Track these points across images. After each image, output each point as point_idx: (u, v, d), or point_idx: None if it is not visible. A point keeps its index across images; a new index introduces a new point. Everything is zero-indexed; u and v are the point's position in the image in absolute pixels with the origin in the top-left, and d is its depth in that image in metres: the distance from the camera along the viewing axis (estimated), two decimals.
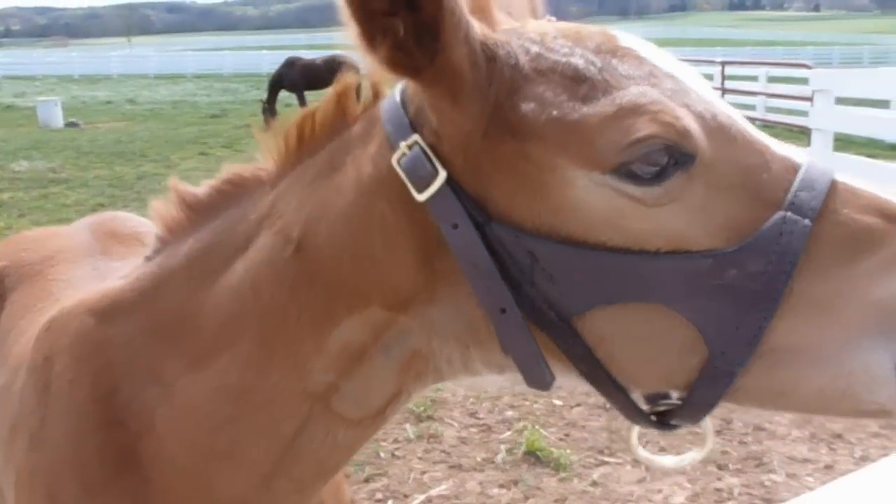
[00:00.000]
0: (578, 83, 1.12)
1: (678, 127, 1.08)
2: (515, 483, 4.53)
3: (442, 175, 1.14)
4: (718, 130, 1.12)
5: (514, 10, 1.32)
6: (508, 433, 5.12)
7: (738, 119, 1.15)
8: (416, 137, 1.16)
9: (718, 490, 4.37)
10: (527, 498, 4.40)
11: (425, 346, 1.26)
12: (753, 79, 23.85)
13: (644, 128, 1.07)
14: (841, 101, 10.91)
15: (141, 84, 45.52)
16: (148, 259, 1.47)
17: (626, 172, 1.08)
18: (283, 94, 22.46)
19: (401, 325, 1.24)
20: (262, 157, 1.39)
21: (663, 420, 1.21)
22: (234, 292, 1.31)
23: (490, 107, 1.13)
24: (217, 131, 21.95)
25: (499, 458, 4.79)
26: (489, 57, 1.14)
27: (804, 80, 22.21)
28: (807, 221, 1.06)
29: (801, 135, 16.98)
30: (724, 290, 1.06)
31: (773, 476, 4.43)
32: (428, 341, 1.25)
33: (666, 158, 1.08)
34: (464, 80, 1.13)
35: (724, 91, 14.29)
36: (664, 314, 1.09)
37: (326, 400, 1.29)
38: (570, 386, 1.29)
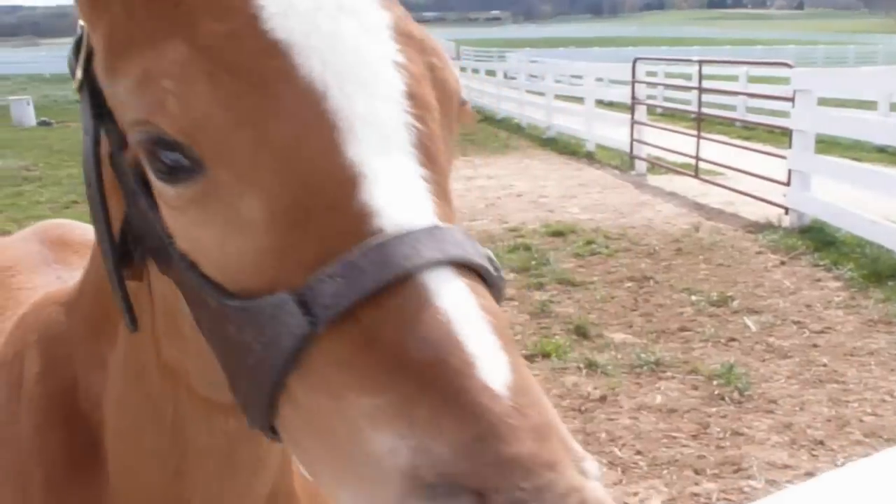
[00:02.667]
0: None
1: (183, 122, 0.91)
2: None
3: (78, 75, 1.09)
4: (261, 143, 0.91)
5: None
6: None
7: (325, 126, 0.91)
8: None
9: (696, 495, 4.39)
10: None
11: None
12: (733, 79, 24.05)
13: (145, 107, 0.94)
14: (824, 101, 11.01)
15: None
16: None
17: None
18: None
19: None
20: None
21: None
22: None
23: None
24: None
25: None
26: None
27: (787, 80, 22.55)
28: (303, 323, 0.85)
29: (783, 136, 17.15)
30: (232, 338, 0.93)
31: (752, 482, 4.46)
32: None
33: (176, 156, 0.93)
34: None
35: (702, 91, 14.32)
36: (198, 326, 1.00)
37: (186, 378, 1.18)
38: None
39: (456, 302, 0.85)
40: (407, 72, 0.99)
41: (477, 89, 30.08)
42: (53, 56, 65.52)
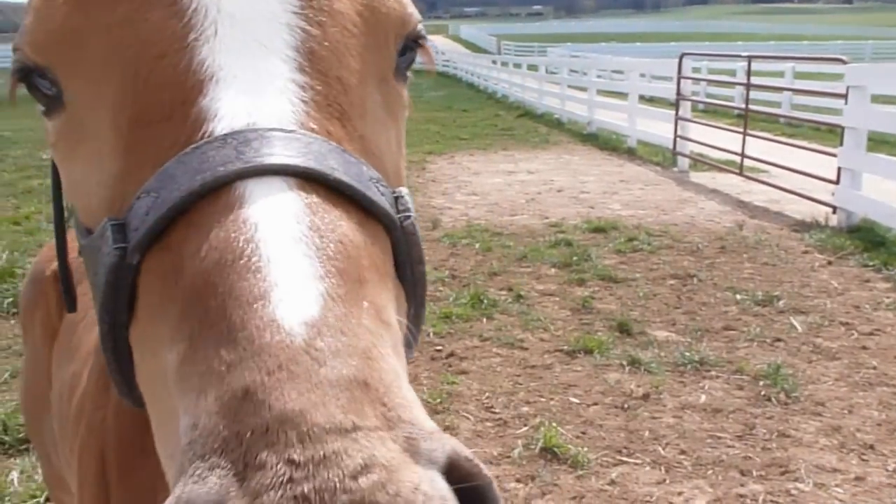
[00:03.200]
0: None
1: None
2: (532, 479, 4.49)
3: None
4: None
5: None
6: (524, 429, 5.08)
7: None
8: None
9: (741, 496, 4.32)
10: (544, 494, 4.36)
11: None
12: (779, 75, 23.70)
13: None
14: (874, 98, 10.77)
15: None
16: None
17: None
18: None
19: None
20: None
21: None
22: None
23: None
24: None
25: (515, 453, 4.75)
26: None
27: (833, 76, 22.12)
28: (112, 251, 0.75)
29: (828, 134, 16.89)
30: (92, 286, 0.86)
31: (799, 485, 4.38)
32: None
33: (45, 82, 0.90)
34: None
35: (750, 87, 14.10)
36: None
37: None
38: None
39: (269, 216, 0.70)
40: None
41: (518, 84, 29.96)
42: None
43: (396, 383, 0.65)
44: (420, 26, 1.01)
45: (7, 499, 4.37)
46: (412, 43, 1.01)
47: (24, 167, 15.83)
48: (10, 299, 7.47)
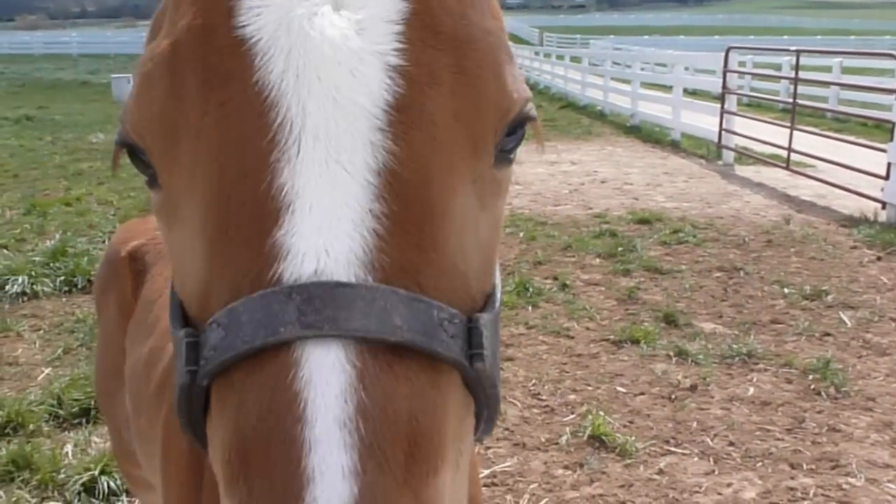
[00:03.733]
0: None
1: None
2: (580, 466, 4.48)
3: None
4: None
5: None
6: (571, 416, 5.06)
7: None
8: None
9: (791, 489, 4.27)
10: (592, 481, 4.34)
11: None
12: (826, 70, 23.28)
13: None
14: None
15: None
16: None
17: None
18: None
19: None
20: None
21: None
22: None
23: None
24: None
25: (563, 440, 4.74)
26: None
27: (882, 72, 21.72)
28: (183, 372, 0.79)
29: (876, 129, 16.56)
30: None
31: (851, 480, 4.31)
32: None
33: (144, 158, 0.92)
34: None
35: (798, 82, 13.86)
36: None
37: None
38: None
39: (317, 390, 0.69)
40: (400, 76, 0.79)
41: (561, 75, 29.79)
42: None
43: None
44: (528, 107, 0.91)
45: (62, 471, 4.44)
46: (520, 124, 0.92)
47: (74, 150, 16.11)
48: (62, 278, 7.60)
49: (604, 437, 4.72)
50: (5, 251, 8.68)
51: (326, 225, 0.74)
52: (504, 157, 0.90)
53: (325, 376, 0.69)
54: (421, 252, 0.77)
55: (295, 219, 0.74)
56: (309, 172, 0.75)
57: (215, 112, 0.79)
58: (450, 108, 0.81)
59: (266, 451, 0.68)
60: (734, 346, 6.06)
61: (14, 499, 4.19)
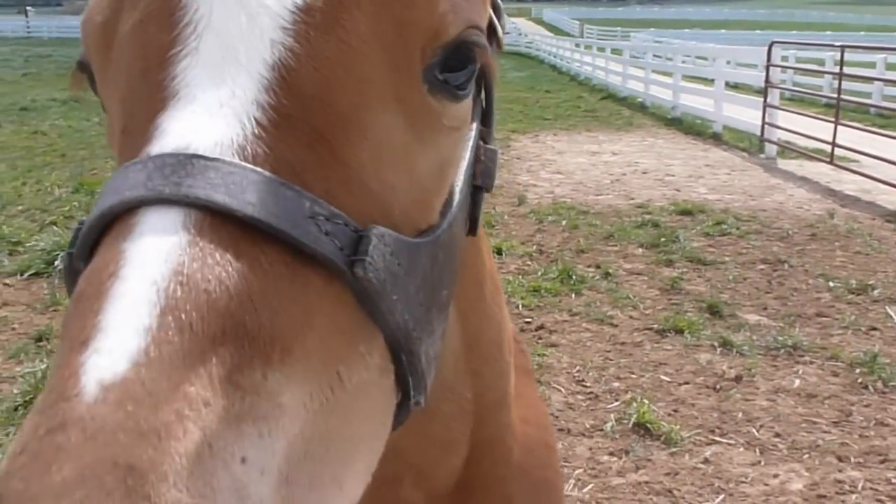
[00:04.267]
0: None
1: None
2: (626, 453, 4.43)
3: None
4: None
5: None
6: (616, 404, 5.01)
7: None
8: None
9: (839, 482, 4.18)
10: (637, 468, 4.29)
11: None
12: (871, 65, 22.85)
13: None
14: None
15: None
16: None
17: None
18: None
19: None
20: None
21: None
22: None
23: None
24: None
25: (608, 426, 4.68)
26: None
27: None
28: (66, 251, 0.79)
29: None
30: None
31: None
32: None
33: None
34: None
35: (843, 77, 13.59)
36: None
37: None
38: None
39: (142, 252, 0.64)
40: None
41: (602, 67, 29.53)
42: None
43: (185, 467, 0.53)
44: (468, 32, 0.86)
45: None
46: (467, 50, 0.86)
47: None
48: None
49: (649, 425, 4.66)
50: (55, 227, 8.78)
51: (205, 110, 0.72)
52: (447, 88, 0.85)
53: (154, 237, 0.65)
54: (313, 153, 0.73)
55: (178, 105, 0.73)
56: (203, 65, 0.74)
57: (137, 15, 0.80)
58: (364, 17, 0.78)
59: (77, 307, 0.63)
60: (779, 338, 5.95)
61: None
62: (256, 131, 0.71)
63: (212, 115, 0.71)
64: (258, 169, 0.68)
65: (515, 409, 1.32)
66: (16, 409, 4.79)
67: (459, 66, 0.86)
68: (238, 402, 0.58)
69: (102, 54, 0.86)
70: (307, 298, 0.67)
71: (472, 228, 1.05)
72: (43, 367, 5.24)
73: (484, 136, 1.05)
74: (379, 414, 0.77)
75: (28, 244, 8.00)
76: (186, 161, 0.68)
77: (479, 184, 1.02)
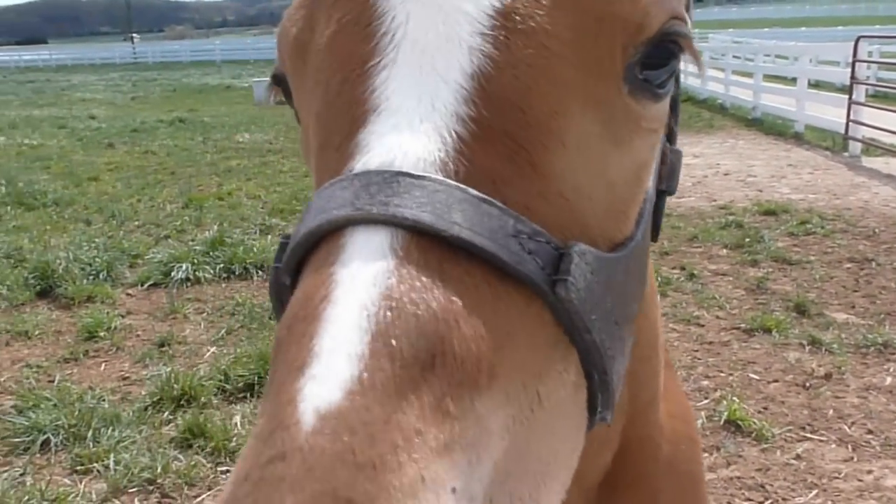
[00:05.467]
0: None
1: None
2: (717, 449, 4.42)
3: None
4: None
5: None
6: (706, 402, 5.00)
7: None
8: None
9: None
10: (729, 464, 4.29)
11: None
12: None
13: None
14: None
15: None
16: None
17: None
18: None
19: None
20: None
21: None
22: None
23: None
24: None
25: (698, 423, 4.68)
26: None
27: None
28: (273, 265, 0.79)
29: None
30: None
31: None
32: None
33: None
34: None
35: None
36: None
37: None
38: None
39: (352, 274, 0.63)
40: None
41: (680, 69, 28.97)
42: None
43: (399, 502, 0.52)
44: (671, 24, 0.80)
45: (233, 440, 4.69)
46: (670, 44, 0.81)
47: (223, 149, 16.79)
48: (221, 265, 7.97)
49: (739, 422, 4.64)
50: (169, 240, 9.17)
51: (407, 124, 0.69)
52: (647, 87, 0.79)
53: (363, 261, 0.63)
54: (512, 164, 0.70)
55: (379, 119, 0.71)
56: (402, 77, 0.72)
57: (333, 27, 0.79)
58: (564, 16, 0.74)
59: (291, 330, 0.63)
60: (869, 336, 5.83)
61: (192, 462, 4.47)
62: (457, 145, 0.69)
63: (413, 130, 0.69)
64: (462, 186, 0.66)
65: (663, 405, 1.28)
66: (145, 409, 5.08)
67: (661, 62, 0.80)
68: (448, 431, 0.56)
69: (298, 67, 0.86)
70: (510, 319, 0.65)
71: (655, 235, 0.99)
72: (167, 370, 5.52)
73: (670, 135, 0.99)
74: (574, 431, 0.75)
75: (146, 257, 8.40)
76: (392, 179, 0.66)
77: (664, 188, 0.97)
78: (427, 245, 0.64)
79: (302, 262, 0.71)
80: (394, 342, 0.58)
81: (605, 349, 0.73)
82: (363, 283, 0.62)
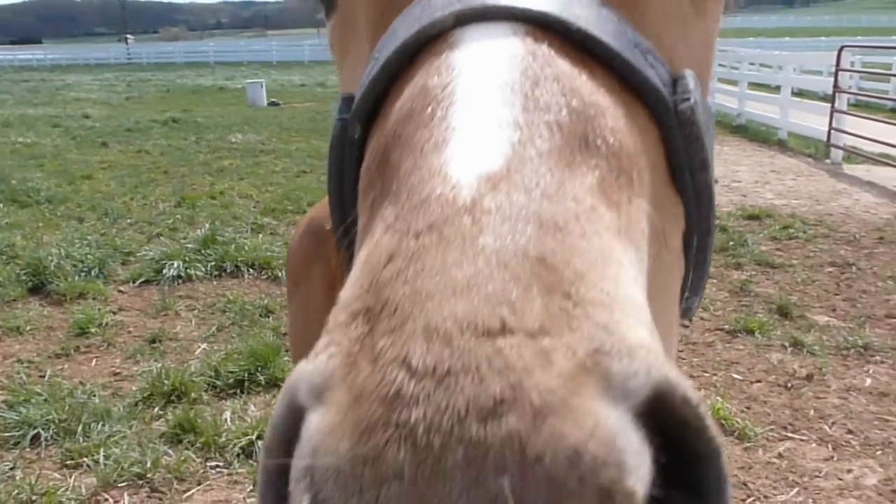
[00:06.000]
0: None
1: None
2: None
3: None
4: None
5: None
6: None
7: None
8: None
9: None
10: None
11: None
12: None
13: None
14: None
15: (329, 70, 47.42)
16: None
17: None
18: None
19: None
20: None
21: None
22: None
23: None
24: None
25: None
26: None
27: None
28: (337, 120, 0.65)
29: None
30: None
31: None
32: None
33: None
34: None
35: None
36: None
37: None
38: None
39: (477, 60, 0.53)
40: None
41: None
42: (281, 46, 70.06)
43: (597, 270, 0.43)
44: None
45: (223, 435, 4.66)
46: None
47: (216, 149, 16.71)
48: (213, 263, 7.93)
49: (723, 422, 4.65)
50: (161, 238, 9.13)
51: None
52: None
53: (489, 49, 0.54)
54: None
55: None
56: None
57: None
58: None
59: (405, 125, 0.52)
60: (849, 338, 5.85)
61: (182, 458, 4.44)
62: None
63: None
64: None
65: None
66: (136, 404, 5.05)
67: None
68: (618, 217, 0.48)
69: None
70: (640, 133, 0.56)
71: None
72: (158, 366, 5.49)
73: None
74: (675, 297, 0.65)
75: (138, 254, 8.36)
76: None
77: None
78: (550, 38, 0.55)
79: (381, 99, 0.59)
80: (546, 116, 0.50)
81: (711, 208, 0.64)
82: (498, 64, 0.53)
